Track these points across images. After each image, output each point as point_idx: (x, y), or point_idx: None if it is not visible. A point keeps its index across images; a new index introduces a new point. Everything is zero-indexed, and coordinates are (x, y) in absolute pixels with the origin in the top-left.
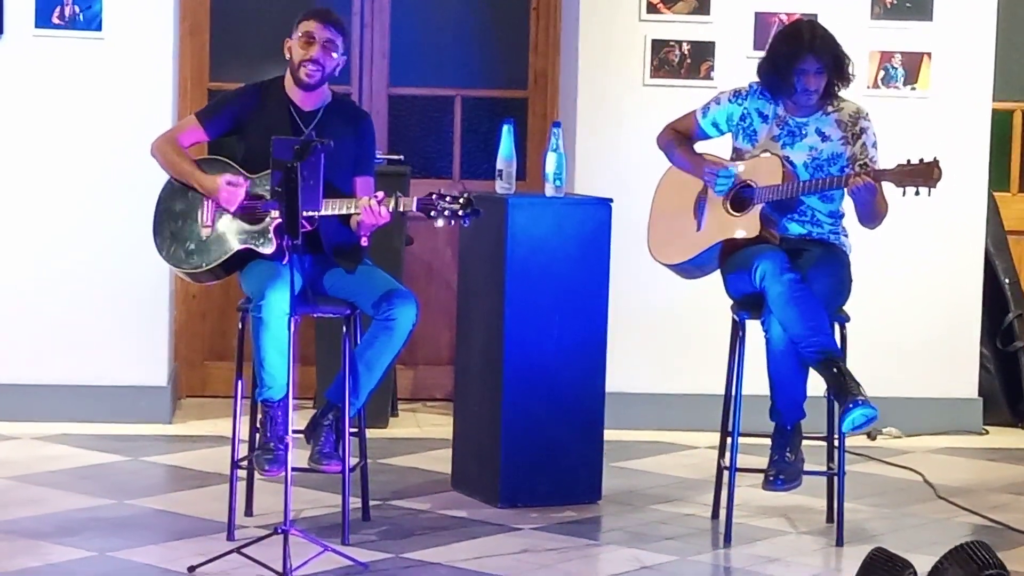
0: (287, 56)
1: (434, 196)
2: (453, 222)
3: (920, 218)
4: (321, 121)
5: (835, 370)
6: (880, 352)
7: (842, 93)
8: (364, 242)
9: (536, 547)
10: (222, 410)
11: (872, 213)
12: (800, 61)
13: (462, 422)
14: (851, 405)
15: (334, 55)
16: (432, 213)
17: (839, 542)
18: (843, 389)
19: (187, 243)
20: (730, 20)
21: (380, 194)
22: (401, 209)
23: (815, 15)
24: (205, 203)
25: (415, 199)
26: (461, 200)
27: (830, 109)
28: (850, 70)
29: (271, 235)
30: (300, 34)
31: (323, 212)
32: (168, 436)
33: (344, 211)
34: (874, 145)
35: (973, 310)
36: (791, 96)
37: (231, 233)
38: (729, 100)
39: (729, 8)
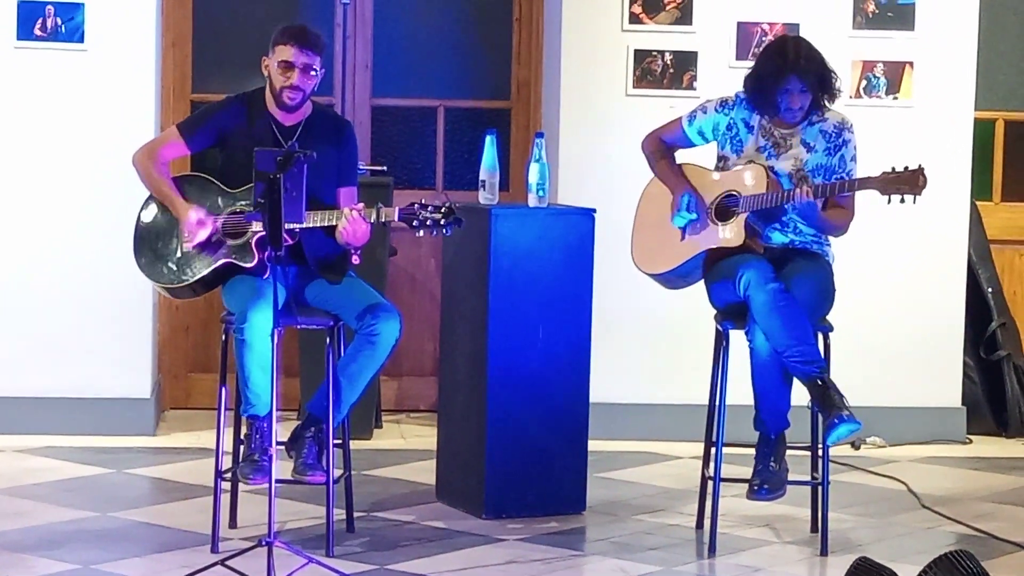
0: (265, 75)
1: (416, 206)
2: (435, 232)
3: (903, 227)
4: (303, 134)
5: (819, 382)
6: (864, 361)
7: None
8: (356, 260)
9: (521, 558)
10: (206, 422)
11: (822, 228)
12: (784, 82)
13: (446, 433)
14: (835, 421)
15: (313, 75)
16: (414, 223)
17: (823, 552)
18: (827, 402)
19: (168, 258)
20: (712, 30)
21: (360, 205)
22: (383, 220)
23: (797, 25)
24: None
25: (396, 209)
26: (443, 210)
27: (815, 119)
28: (836, 85)
29: (252, 249)
30: (278, 61)
31: (306, 224)
32: (152, 448)
33: (327, 223)
34: (853, 159)
35: (956, 319)
36: (776, 114)
37: (212, 248)
38: (715, 109)
39: (711, 18)
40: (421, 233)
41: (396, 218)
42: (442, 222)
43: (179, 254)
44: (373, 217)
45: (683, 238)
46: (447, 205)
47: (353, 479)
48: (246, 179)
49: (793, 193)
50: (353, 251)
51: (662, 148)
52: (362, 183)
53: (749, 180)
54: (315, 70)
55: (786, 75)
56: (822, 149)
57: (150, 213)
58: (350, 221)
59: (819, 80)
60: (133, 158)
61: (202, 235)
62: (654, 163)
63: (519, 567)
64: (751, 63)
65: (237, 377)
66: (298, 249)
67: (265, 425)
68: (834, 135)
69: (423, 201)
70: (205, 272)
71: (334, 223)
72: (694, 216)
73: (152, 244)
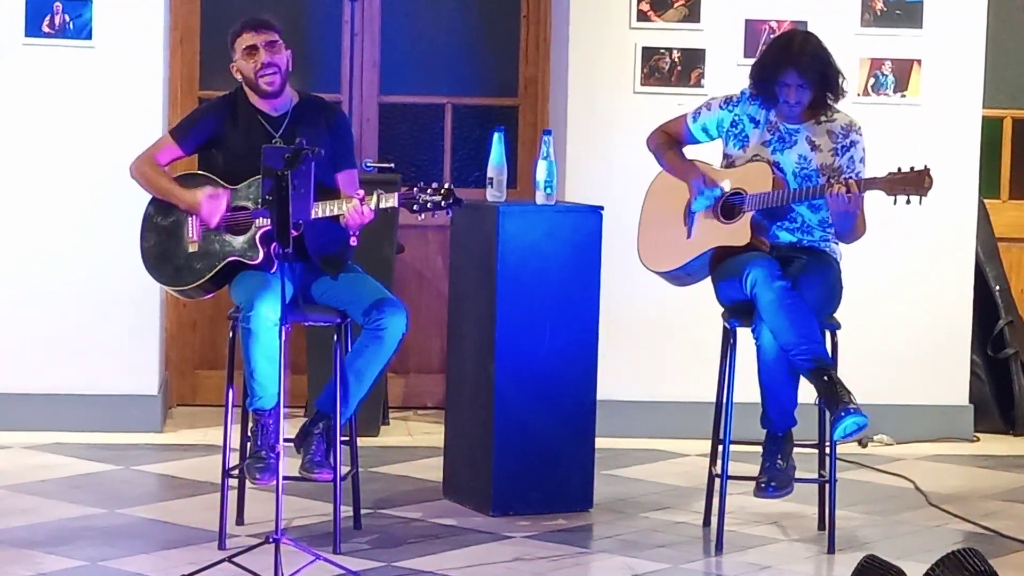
0: (239, 78)
1: (415, 189)
2: (435, 213)
3: (911, 225)
4: (291, 123)
5: (825, 378)
6: (871, 359)
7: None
8: (353, 241)
9: (528, 555)
10: (213, 419)
11: (849, 227)
12: (783, 75)
13: (453, 430)
14: (842, 413)
15: (279, 49)
16: (414, 207)
17: (831, 549)
18: (834, 397)
19: (175, 260)
20: (720, 28)
21: (361, 192)
22: (383, 206)
23: (805, 22)
24: (190, 219)
25: (396, 195)
26: (442, 191)
27: (823, 119)
28: (842, 85)
29: (258, 244)
30: (241, 52)
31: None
32: (159, 445)
33: (329, 213)
34: (862, 160)
35: (964, 317)
36: (775, 106)
37: (218, 246)
38: (720, 107)
39: (719, 16)
40: (422, 216)
41: (396, 203)
42: (442, 203)
43: (186, 255)
44: (373, 203)
45: (689, 236)
46: (446, 186)
47: (360, 476)
48: (245, 174)
49: (832, 189)
50: (352, 233)
51: (669, 141)
52: (370, 180)
53: (754, 178)
54: (279, 43)
55: (785, 68)
56: (828, 149)
57: (154, 218)
58: (352, 210)
59: (820, 78)
60: (131, 168)
61: (221, 207)
62: (661, 156)
63: (526, 564)
64: None
65: (243, 369)
66: (300, 243)
67: (271, 420)
68: (841, 136)
69: (422, 184)
70: (212, 272)
71: (337, 214)
72: (717, 193)
73: (159, 248)
